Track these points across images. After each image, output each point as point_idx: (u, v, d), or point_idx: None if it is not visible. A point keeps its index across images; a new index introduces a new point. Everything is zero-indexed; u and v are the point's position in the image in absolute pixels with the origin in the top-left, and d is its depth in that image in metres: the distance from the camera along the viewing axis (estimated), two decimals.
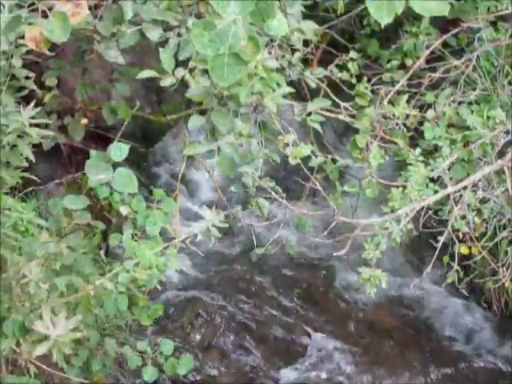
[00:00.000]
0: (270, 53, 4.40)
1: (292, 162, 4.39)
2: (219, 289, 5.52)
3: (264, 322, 5.37)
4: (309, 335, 5.37)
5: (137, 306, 4.02)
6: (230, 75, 2.28)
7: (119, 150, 3.22)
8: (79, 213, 3.62)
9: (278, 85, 4.22)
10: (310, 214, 4.52)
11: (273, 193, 4.28)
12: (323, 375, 5.15)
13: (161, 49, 3.96)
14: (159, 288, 3.92)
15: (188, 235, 3.53)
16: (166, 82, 3.98)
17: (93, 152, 3.19)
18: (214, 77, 2.29)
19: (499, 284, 4.75)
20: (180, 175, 4.65)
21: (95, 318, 3.64)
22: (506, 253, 4.73)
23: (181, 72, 4.00)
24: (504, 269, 4.68)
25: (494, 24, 5.08)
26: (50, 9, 2.73)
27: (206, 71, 4.03)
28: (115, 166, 3.53)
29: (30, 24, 2.75)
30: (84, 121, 4.76)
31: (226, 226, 3.50)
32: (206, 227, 3.50)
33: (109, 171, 3.17)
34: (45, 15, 2.72)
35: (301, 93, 5.24)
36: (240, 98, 3.97)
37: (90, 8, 3.95)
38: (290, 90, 4.26)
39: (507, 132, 4.52)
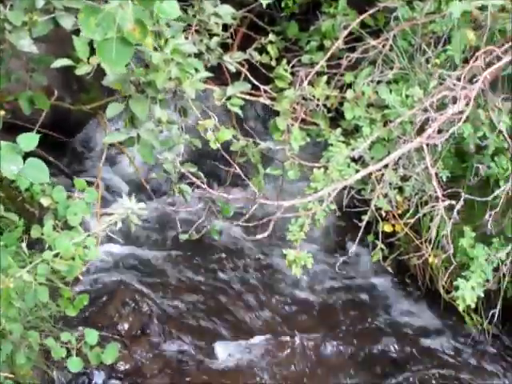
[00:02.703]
0: (186, 38, 4.38)
1: (213, 146, 4.38)
2: (145, 277, 5.51)
3: (191, 308, 5.38)
4: (237, 319, 5.41)
5: (61, 297, 4.00)
6: (119, 59, 2.27)
7: (29, 139, 3.16)
8: None
9: (196, 70, 4.20)
10: (232, 198, 4.53)
11: (193, 178, 4.27)
12: (253, 359, 5.18)
13: (74, 36, 3.90)
14: (83, 278, 3.90)
15: (108, 223, 3.50)
16: (82, 70, 3.92)
17: (2, 143, 3.13)
18: (103, 61, 2.27)
19: (423, 259, 4.82)
20: (101, 164, 4.62)
21: (17, 310, 3.60)
22: (429, 229, 4.78)
23: (96, 59, 3.95)
24: (427, 244, 4.75)
25: (409, 3, 5.13)
26: None
27: None
28: (34, 156, 3.50)
29: None
30: (1, 112, 4.67)
31: (146, 212, 3.48)
32: (125, 215, 3.48)
33: (19, 162, 3.12)
34: None
35: (222, 78, 5.24)
36: (157, 84, 3.94)
37: None
38: (208, 74, 4.25)
39: (425, 110, 4.56)
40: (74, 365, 3.77)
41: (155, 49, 3.93)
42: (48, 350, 4.01)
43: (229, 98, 4.57)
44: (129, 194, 3.72)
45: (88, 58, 3.95)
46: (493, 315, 4.93)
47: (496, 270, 4.69)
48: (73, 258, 3.58)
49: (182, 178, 4.51)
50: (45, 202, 3.98)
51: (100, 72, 4.05)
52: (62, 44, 5.17)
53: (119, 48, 2.25)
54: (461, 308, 4.50)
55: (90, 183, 4.17)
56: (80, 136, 6.13)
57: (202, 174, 4.40)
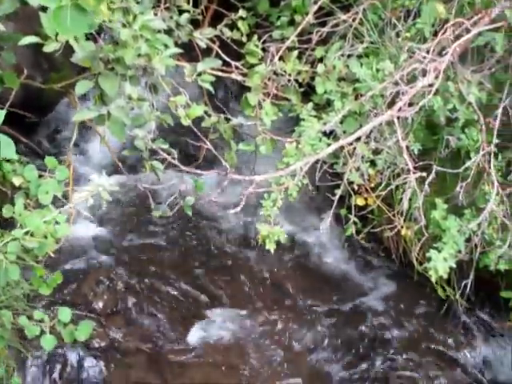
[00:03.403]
0: (155, 14, 4.36)
1: (184, 123, 4.37)
2: (120, 255, 5.51)
3: (166, 286, 5.38)
4: (212, 295, 5.43)
5: (34, 276, 4.01)
6: (75, 27, 2.26)
7: None
8: None
9: (166, 46, 4.19)
10: (204, 174, 4.52)
11: (164, 154, 4.26)
12: (230, 335, 5.20)
13: (41, 13, 3.87)
14: (57, 257, 3.89)
15: (78, 201, 3.51)
16: (50, 47, 3.91)
17: None
18: (58, 29, 2.27)
19: (395, 231, 4.84)
20: (72, 142, 4.61)
21: None
22: (401, 201, 4.80)
23: (64, 36, 3.93)
24: (399, 216, 4.77)
25: None
26: None
27: (90, 34, 3.98)
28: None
29: None
30: None
31: (117, 189, 3.48)
32: (96, 191, 3.48)
33: None
34: None
35: (193, 54, 5.23)
36: (126, 61, 3.93)
37: None
38: (178, 50, 4.23)
39: (396, 83, 4.57)
40: (48, 343, 3.79)
41: (124, 25, 3.92)
42: (22, 329, 4.03)
43: (199, 75, 4.56)
44: (100, 171, 3.73)
45: (56, 35, 3.94)
46: (465, 286, 4.97)
47: (468, 240, 4.72)
48: (45, 237, 3.58)
49: (155, 155, 4.50)
50: (16, 181, 3.99)
51: (71, 50, 4.03)
52: (29, 22, 5.14)
53: (74, 15, 2.25)
54: (433, 279, 4.51)
55: (61, 162, 4.17)
56: (52, 115, 6.11)
57: (173, 151, 4.39)
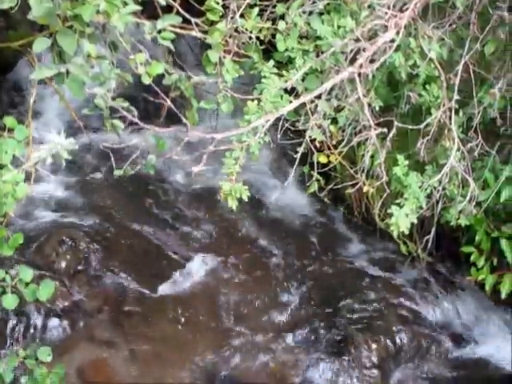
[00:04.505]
0: None
1: (144, 81, 4.33)
2: (82, 214, 5.49)
3: (129, 245, 5.39)
4: (175, 253, 5.43)
5: None
6: None
7: None
8: None
9: (125, 3, 4.14)
10: (164, 132, 4.48)
11: (125, 112, 4.22)
12: (192, 292, 5.22)
13: None
14: (19, 218, 3.86)
15: (37, 159, 3.47)
16: (5, 3, 3.85)
17: None
18: None
19: (357, 188, 4.85)
20: (31, 101, 4.55)
21: None
22: (363, 157, 4.81)
23: None
24: (361, 173, 4.79)
25: None
26: None
27: None
28: None
29: None
30: None
31: (76, 147, 3.45)
32: (54, 150, 3.45)
33: None
34: None
35: (154, 13, 5.17)
36: (84, 18, 3.88)
37: None
38: (137, 7, 4.18)
39: (357, 40, 4.56)
40: (9, 302, 3.76)
41: None
42: None
43: (159, 32, 4.50)
44: (60, 130, 3.69)
45: None
46: (427, 241, 5.01)
47: (429, 196, 4.75)
48: (5, 196, 3.55)
49: (115, 113, 4.46)
50: None
51: (29, 8, 3.97)
52: None
53: None
54: (395, 235, 4.54)
55: (20, 121, 4.13)
56: (10, 75, 6.05)
57: (134, 109, 4.35)
